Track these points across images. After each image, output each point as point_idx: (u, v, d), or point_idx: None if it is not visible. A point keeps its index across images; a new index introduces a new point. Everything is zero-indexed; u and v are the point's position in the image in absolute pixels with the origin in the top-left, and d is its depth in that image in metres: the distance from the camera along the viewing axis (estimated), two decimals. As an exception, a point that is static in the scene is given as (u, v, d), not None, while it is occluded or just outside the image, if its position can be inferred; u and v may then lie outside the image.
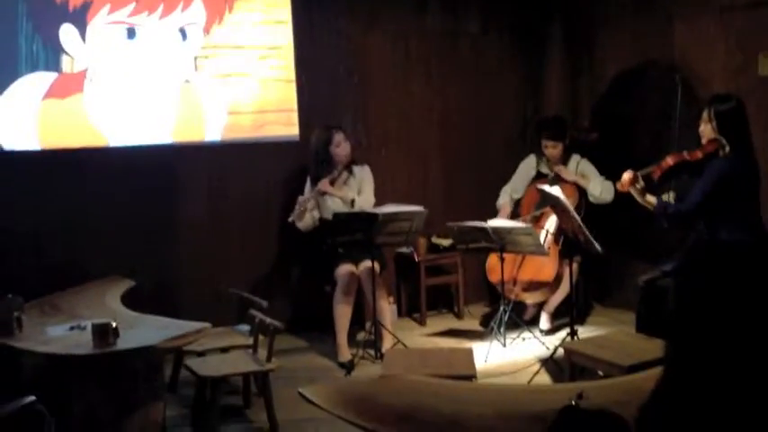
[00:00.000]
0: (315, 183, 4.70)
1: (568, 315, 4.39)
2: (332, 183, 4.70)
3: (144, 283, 4.42)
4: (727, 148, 3.60)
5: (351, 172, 4.80)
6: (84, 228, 4.63)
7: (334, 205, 4.66)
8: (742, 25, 4.44)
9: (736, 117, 3.65)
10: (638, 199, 3.75)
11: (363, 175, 4.81)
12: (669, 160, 3.70)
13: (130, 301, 3.98)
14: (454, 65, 5.61)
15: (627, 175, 3.74)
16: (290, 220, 4.61)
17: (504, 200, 5.05)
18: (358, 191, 4.77)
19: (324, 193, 4.68)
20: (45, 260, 4.48)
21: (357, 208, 4.61)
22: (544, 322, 4.90)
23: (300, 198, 4.64)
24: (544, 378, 4.07)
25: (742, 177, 3.59)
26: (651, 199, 3.72)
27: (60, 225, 4.57)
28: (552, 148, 4.89)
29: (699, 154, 3.67)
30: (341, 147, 4.69)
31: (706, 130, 3.70)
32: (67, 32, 4.59)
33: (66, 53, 4.61)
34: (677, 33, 4.84)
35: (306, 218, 4.65)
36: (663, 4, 4.91)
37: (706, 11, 4.62)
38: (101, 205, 4.68)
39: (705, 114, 3.68)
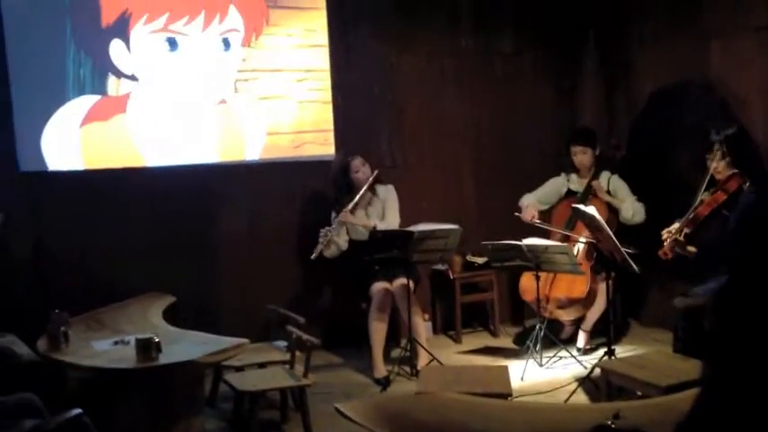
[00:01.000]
0: (337, 210, 4.74)
1: (605, 334, 4.38)
2: (354, 208, 4.71)
3: (185, 299, 4.52)
4: (748, 182, 3.60)
5: (374, 192, 4.84)
6: (128, 245, 4.75)
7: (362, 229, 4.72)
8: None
9: (744, 141, 3.68)
10: (680, 251, 3.76)
11: (387, 195, 4.84)
12: (702, 211, 3.71)
13: (172, 316, 4.08)
14: (488, 83, 5.66)
15: (667, 234, 3.74)
16: (313, 257, 4.59)
17: (531, 201, 4.99)
18: (382, 212, 4.81)
19: (345, 223, 4.72)
20: (90, 276, 4.61)
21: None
22: (581, 341, 4.87)
23: (322, 231, 4.66)
24: (581, 397, 4.05)
25: None
26: (692, 248, 3.73)
27: (104, 242, 4.70)
28: (582, 154, 4.88)
29: (723, 195, 3.67)
30: (360, 172, 4.74)
31: (720, 166, 3.71)
32: (115, 47, 4.74)
33: (114, 71, 4.74)
34: (713, 52, 4.81)
35: (331, 248, 4.70)
36: (699, 23, 4.90)
37: (742, 30, 4.59)
38: (143, 223, 4.80)
39: (717, 148, 3.69)
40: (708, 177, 3.84)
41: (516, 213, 4.87)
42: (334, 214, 4.77)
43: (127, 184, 4.79)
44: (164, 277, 4.65)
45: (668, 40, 5.16)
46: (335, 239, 4.68)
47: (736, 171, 3.66)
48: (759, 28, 4.49)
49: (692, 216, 3.77)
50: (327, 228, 4.68)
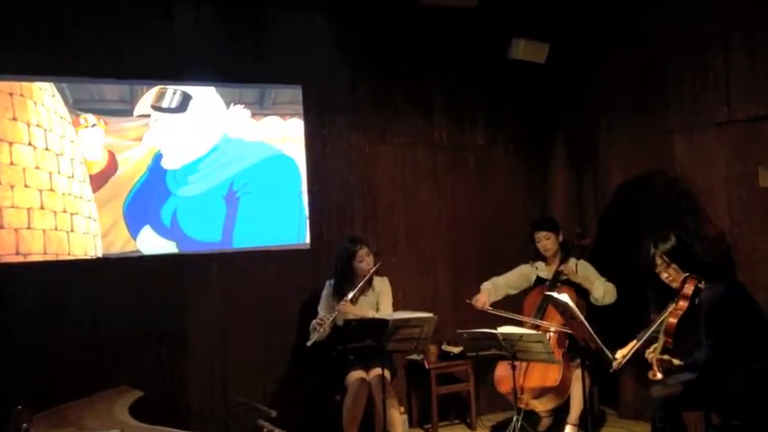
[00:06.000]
0: (337, 293, 4.72)
1: (582, 425, 4.30)
2: (355, 298, 4.70)
3: (153, 393, 4.39)
4: (703, 281, 3.68)
5: (370, 283, 4.83)
6: (96, 337, 4.64)
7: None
8: (740, 138, 4.56)
9: (683, 246, 3.80)
10: (669, 366, 3.80)
11: (382, 287, 4.85)
12: (671, 321, 3.76)
13: (139, 411, 3.94)
14: (462, 174, 5.77)
15: (651, 355, 3.78)
16: (309, 344, 4.54)
17: (491, 288, 4.98)
18: (375, 303, 4.80)
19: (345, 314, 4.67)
20: (55, 370, 4.46)
21: None
22: (571, 435, 4.78)
23: (314, 322, 4.59)
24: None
25: (735, 297, 3.66)
26: (677, 362, 3.77)
27: (71, 334, 4.59)
28: (545, 239, 4.96)
29: (685, 303, 3.74)
30: (364, 261, 4.75)
31: (672, 274, 3.81)
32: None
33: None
34: (677, 145, 4.98)
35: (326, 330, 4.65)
36: (663, 118, 5.07)
37: (705, 124, 4.77)
38: (112, 313, 4.70)
39: (660, 262, 3.80)
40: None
41: (468, 301, 4.86)
42: (324, 295, 4.74)
43: (97, 273, 4.71)
44: (131, 370, 4.53)
45: (634, 132, 5.33)
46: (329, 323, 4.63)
47: (687, 274, 3.75)
48: (720, 123, 4.67)
49: (664, 330, 3.80)
50: (325, 315, 4.61)
